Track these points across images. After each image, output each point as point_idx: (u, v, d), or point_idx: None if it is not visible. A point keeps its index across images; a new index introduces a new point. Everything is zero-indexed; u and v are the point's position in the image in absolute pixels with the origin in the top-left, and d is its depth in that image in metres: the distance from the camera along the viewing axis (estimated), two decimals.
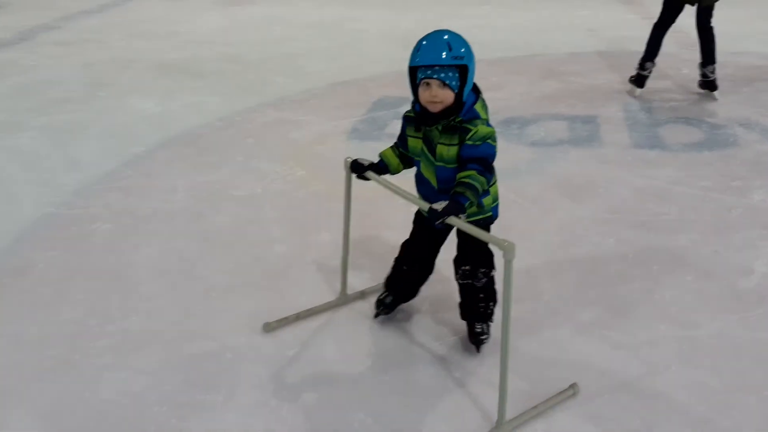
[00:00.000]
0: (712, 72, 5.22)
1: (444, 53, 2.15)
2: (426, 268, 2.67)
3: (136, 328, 2.72)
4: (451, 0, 9.06)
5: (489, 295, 2.54)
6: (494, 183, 2.38)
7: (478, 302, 2.52)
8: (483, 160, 2.20)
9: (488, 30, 7.36)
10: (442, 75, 2.16)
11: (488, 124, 2.26)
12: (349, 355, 2.58)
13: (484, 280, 2.48)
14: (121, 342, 2.64)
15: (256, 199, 3.80)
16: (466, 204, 2.14)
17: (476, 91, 2.29)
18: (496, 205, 2.42)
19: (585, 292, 2.94)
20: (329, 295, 2.89)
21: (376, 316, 2.76)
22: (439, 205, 2.12)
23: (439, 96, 2.18)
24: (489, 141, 2.22)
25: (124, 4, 9.08)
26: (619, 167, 4.16)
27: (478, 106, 2.25)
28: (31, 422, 2.26)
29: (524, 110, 5.14)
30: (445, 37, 2.19)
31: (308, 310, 2.79)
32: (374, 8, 8.70)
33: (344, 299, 2.85)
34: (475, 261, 2.47)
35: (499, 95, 5.38)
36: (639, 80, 5.38)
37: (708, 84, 5.29)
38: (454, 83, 2.17)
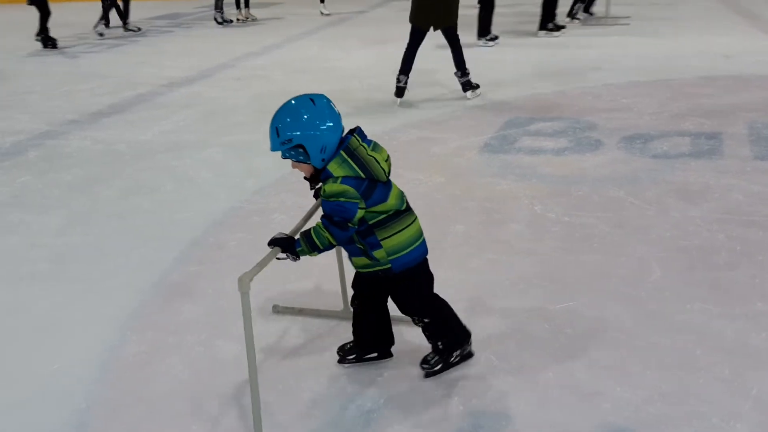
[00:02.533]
0: None
1: (274, 142, 2.36)
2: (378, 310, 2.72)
3: (309, 286, 3.43)
4: (593, 31, 9.50)
5: (436, 333, 2.65)
6: (389, 237, 2.42)
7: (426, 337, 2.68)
8: (328, 216, 2.35)
9: (623, 56, 7.72)
10: (287, 155, 2.40)
11: (343, 181, 2.30)
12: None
13: (420, 324, 2.64)
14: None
15: None
16: (298, 249, 2.37)
17: (341, 144, 2.36)
18: (396, 258, 2.46)
19: (691, 275, 3.30)
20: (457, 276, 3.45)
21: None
22: (280, 235, 2.41)
23: (298, 169, 2.44)
24: (332, 199, 2.30)
25: (285, 46, 10.26)
26: (737, 176, 4.41)
27: (332, 165, 2.33)
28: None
29: (650, 128, 5.47)
30: (277, 124, 2.35)
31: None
32: (510, 46, 9.28)
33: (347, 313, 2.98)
34: (404, 310, 2.65)
35: (627, 115, 5.76)
36: None
37: None
38: (301, 158, 2.35)
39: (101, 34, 11.27)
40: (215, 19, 12.16)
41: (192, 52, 10.08)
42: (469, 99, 6.60)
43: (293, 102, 2.39)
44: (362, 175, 2.34)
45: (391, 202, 2.44)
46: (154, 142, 5.92)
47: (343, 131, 2.42)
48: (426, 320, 2.63)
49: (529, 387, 2.64)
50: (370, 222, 2.41)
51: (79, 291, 3.51)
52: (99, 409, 2.65)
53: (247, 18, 12.41)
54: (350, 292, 2.84)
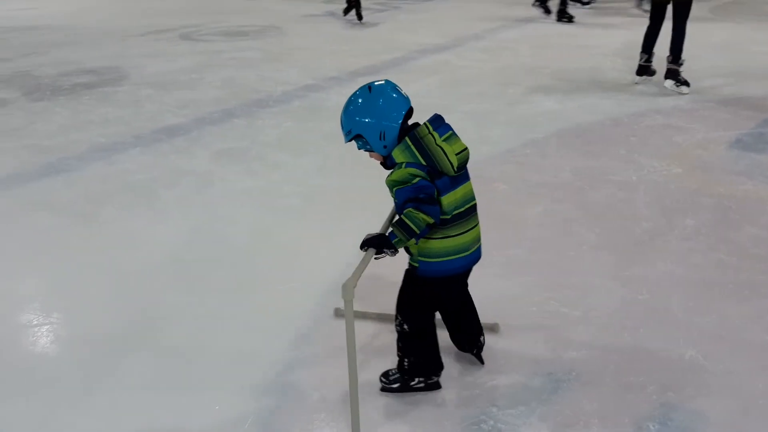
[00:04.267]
0: None
1: (343, 135, 2.39)
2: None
3: (521, 256, 3.56)
4: None
5: (404, 348, 2.54)
6: (428, 239, 2.34)
7: (397, 347, 2.56)
8: (413, 199, 2.24)
9: None
10: (358, 146, 2.39)
11: (409, 165, 2.25)
12: None
13: (398, 329, 2.52)
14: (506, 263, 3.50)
15: (631, 185, 4.36)
16: (394, 240, 2.26)
17: (407, 131, 2.29)
18: (426, 263, 2.38)
19: None
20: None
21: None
22: (370, 236, 2.30)
23: (373, 158, 2.43)
24: (407, 184, 2.25)
25: (533, 22, 10.20)
26: None
27: (396, 152, 2.28)
28: None
29: None
30: (341, 117, 2.37)
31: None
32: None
33: None
34: (397, 306, 2.53)
35: None
36: None
37: None
38: (367, 147, 2.36)
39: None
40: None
41: (444, 21, 10.45)
42: (674, 91, 6.13)
43: (354, 92, 2.38)
44: (423, 162, 2.26)
45: (444, 202, 2.30)
46: None
47: (409, 115, 2.36)
48: (406, 327, 2.50)
49: (731, 393, 2.54)
50: None
51: (322, 228, 3.98)
52: (322, 327, 3.06)
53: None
54: None
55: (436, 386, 2.60)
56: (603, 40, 8.56)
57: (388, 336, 2.84)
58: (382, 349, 2.83)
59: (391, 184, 2.29)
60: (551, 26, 9.72)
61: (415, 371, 2.56)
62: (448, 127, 2.39)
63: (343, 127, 2.37)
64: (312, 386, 2.65)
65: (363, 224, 3.96)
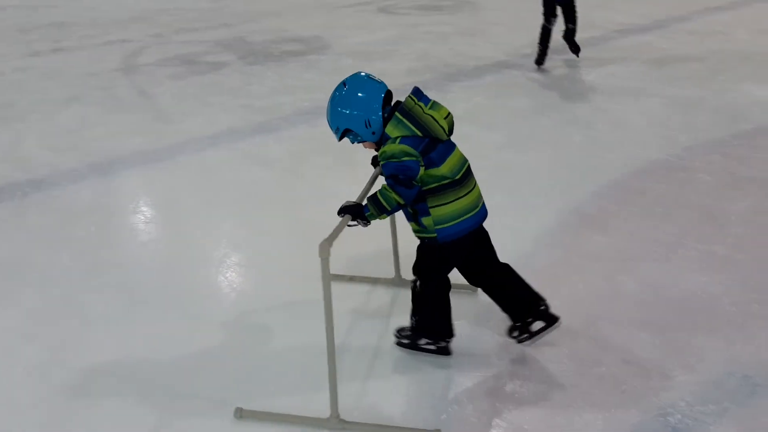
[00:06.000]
0: None
1: (334, 135, 2.48)
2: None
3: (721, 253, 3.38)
4: None
5: (416, 307, 2.64)
6: (439, 206, 2.41)
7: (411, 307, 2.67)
8: (393, 176, 2.34)
9: None
10: (351, 140, 2.47)
11: (402, 141, 2.32)
12: None
13: (414, 289, 2.62)
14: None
15: None
16: (367, 213, 2.37)
17: (395, 108, 2.38)
18: (443, 228, 2.44)
19: None
20: None
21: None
22: (349, 203, 2.40)
23: (367, 147, 2.51)
24: (394, 159, 2.31)
25: (752, 4, 9.31)
26: None
27: (389, 128, 2.36)
28: None
29: None
30: (328, 117, 2.45)
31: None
32: None
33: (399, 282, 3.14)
34: (415, 268, 2.61)
35: None
36: None
37: None
38: (359, 139, 2.44)
39: None
40: None
41: (653, 1, 9.86)
42: None
43: (332, 92, 2.46)
44: (419, 133, 2.34)
45: (444, 169, 2.39)
46: (595, 83, 6.18)
47: (388, 98, 2.43)
48: (420, 287, 2.61)
49: None
50: (424, 188, 2.40)
51: (509, 201, 4.01)
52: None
53: None
54: (403, 261, 2.85)
55: (446, 351, 2.67)
56: None
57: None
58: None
59: (382, 156, 2.37)
60: None
61: (421, 331, 2.67)
62: (428, 98, 2.47)
63: (331, 127, 2.47)
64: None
65: (542, 203, 3.99)
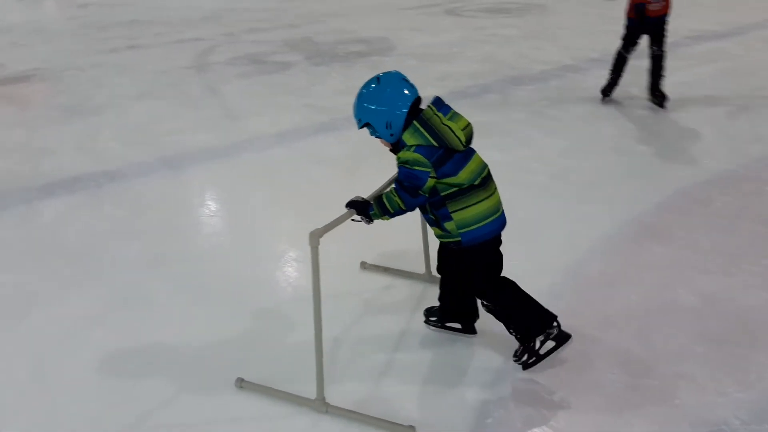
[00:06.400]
0: None
1: (356, 123, 2.50)
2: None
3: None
4: None
5: (505, 321, 2.63)
6: (460, 210, 2.44)
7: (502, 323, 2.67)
8: (400, 181, 2.42)
9: None
10: (370, 132, 2.49)
11: (417, 150, 2.36)
12: None
13: (491, 309, 2.63)
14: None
15: None
16: (371, 212, 2.49)
17: (415, 114, 2.40)
18: (466, 232, 2.47)
19: None
20: None
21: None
22: (358, 198, 2.51)
23: (383, 144, 2.52)
24: (405, 165, 2.37)
25: None
26: None
27: (406, 135, 2.39)
28: None
29: None
30: (354, 105, 2.47)
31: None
32: None
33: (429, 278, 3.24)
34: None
35: None
36: None
37: None
38: (376, 134, 2.47)
39: None
40: None
41: (724, 5, 9.55)
42: None
43: (366, 82, 2.48)
44: (435, 143, 2.37)
45: (462, 176, 2.42)
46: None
47: (417, 103, 2.44)
48: (492, 303, 2.62)
49: None
50: (443, 194, 2.42)
51: (568, 207, 3.98)
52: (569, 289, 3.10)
53: None
54: (433, 258, 2.89)
55: (564, 337, 2.62)
56: None
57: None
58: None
59: (398, 161, 2.43)
60: None
61: (527, 335, 2.62)
62: (450, 108, 2.48)
63: (355, 115, 2.51)
64: None
65: (601, 210, 3.92)
